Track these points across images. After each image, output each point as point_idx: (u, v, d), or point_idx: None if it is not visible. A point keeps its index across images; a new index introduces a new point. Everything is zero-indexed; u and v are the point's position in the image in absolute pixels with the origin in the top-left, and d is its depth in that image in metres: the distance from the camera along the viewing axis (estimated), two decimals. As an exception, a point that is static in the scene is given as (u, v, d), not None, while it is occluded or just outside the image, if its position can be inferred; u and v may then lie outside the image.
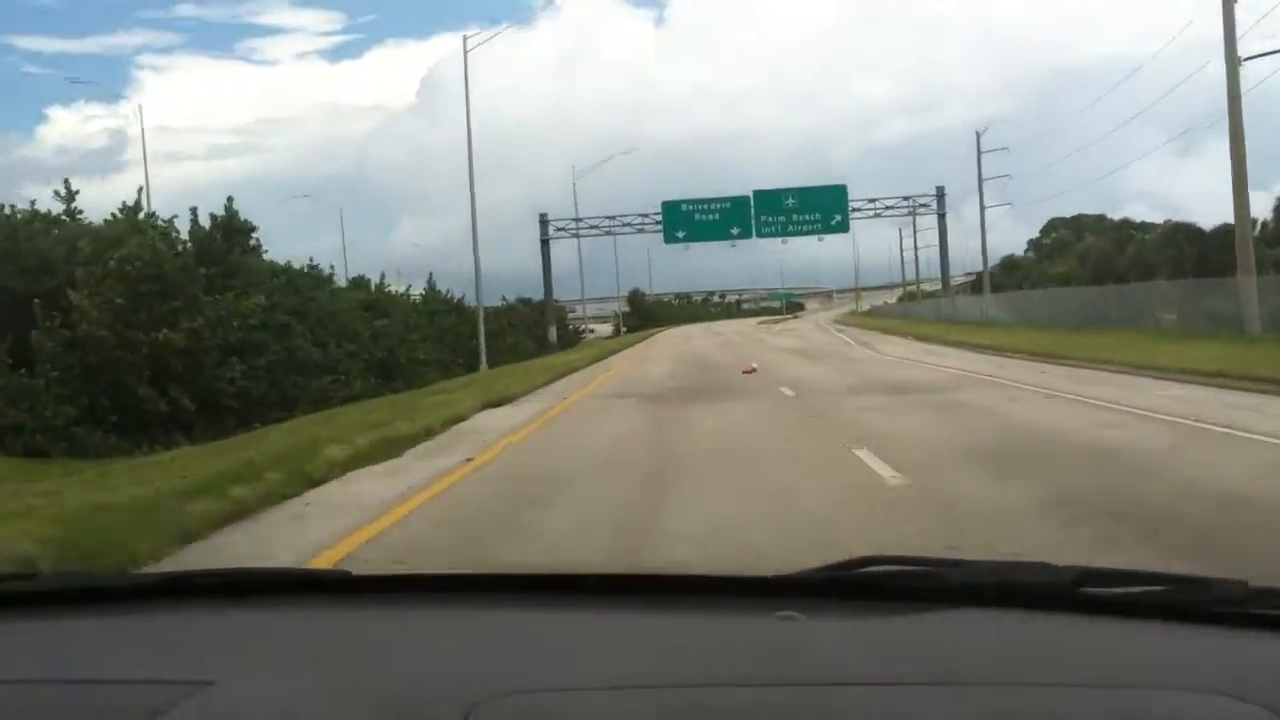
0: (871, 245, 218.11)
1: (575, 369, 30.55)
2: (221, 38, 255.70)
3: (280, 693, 1.47)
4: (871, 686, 1.43)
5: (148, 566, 6.42)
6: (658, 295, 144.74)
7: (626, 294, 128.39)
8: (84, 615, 1.86)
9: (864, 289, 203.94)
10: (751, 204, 61.87)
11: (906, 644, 1.59)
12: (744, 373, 23.65)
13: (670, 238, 62.02)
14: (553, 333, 63.35)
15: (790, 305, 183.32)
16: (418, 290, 61.24)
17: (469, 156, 38.77)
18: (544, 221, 63.31)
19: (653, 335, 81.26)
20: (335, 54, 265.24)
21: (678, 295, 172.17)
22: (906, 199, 63.43)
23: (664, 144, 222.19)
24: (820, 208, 61.67)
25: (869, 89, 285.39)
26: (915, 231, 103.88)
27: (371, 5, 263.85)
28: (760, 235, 61.90)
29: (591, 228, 63.72)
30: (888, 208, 63.38)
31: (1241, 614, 1.58)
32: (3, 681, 1.56)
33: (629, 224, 63.48)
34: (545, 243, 63.36)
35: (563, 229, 63.64)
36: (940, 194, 63.52)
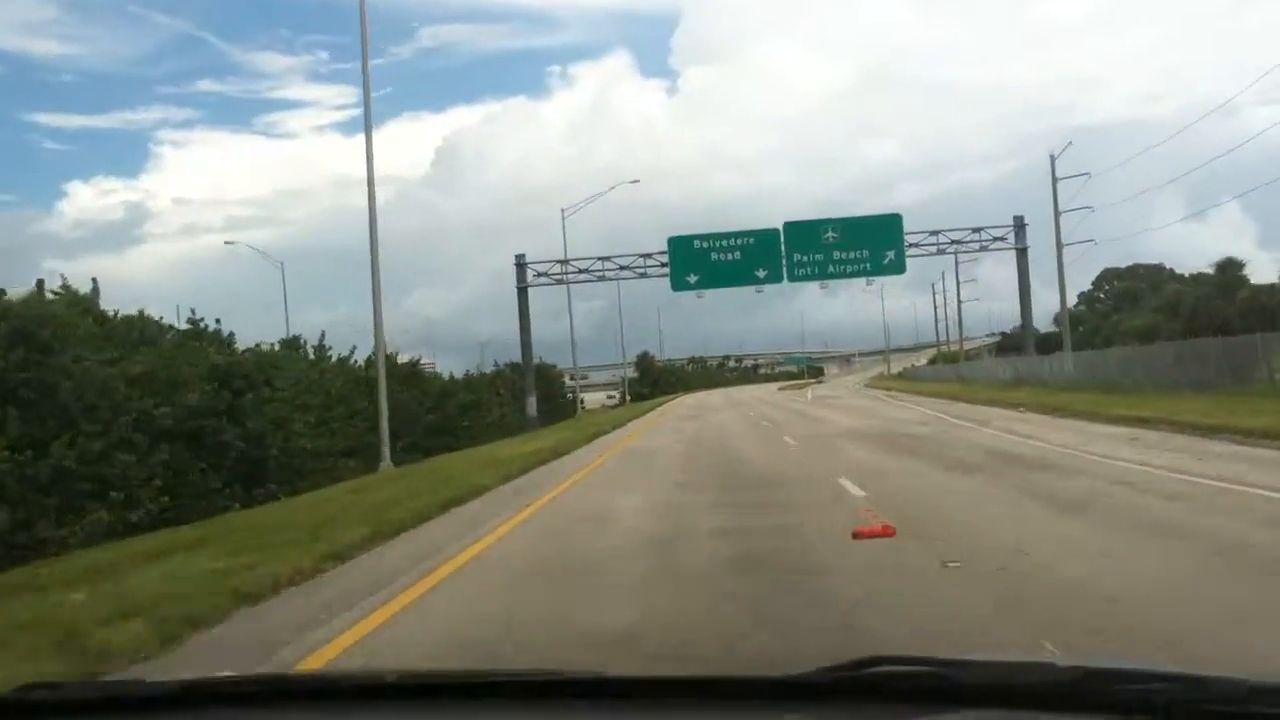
0: (888, 306, 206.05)
1: (505, 478, 16.22)
2: (240, 112, 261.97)
3: None
4: None
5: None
6: (669, 360, 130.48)
7: (635, 358, 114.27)
8: None
9: (876, 352, 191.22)
10: (781, 239, 47.76)
11: None
12: (859, 536, 8.53)
13: (680, 283, 47.98)
14: (531, 404, 49.07)
15: (811, 369, 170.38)
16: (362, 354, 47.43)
17: (369, 165, 25.07)
18: (520, 265, 49.41)
19: (662, 405, 66.74)
20: (351, 127, 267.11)
21: (691, 359, 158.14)
22: (976, 231, 49.29)
23: (678, 207, 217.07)
24: (869, 242, 47.54)
25: (882, 151, 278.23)
26: (958, 281, 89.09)
27: (387, 79, 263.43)
28: (794, 278, 47.74)
29: (580, 272, 49.72)
30: (953, 242, 49.25)
31: (1241, 713, 1.53)
32: None
33: (629, 267, 49.53)
34: (522, 291, 49.35)
35: (544, 274, 49.68)
36: (1019, 225, 49.39)
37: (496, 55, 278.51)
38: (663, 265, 48.20)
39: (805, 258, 47.41)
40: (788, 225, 48.08)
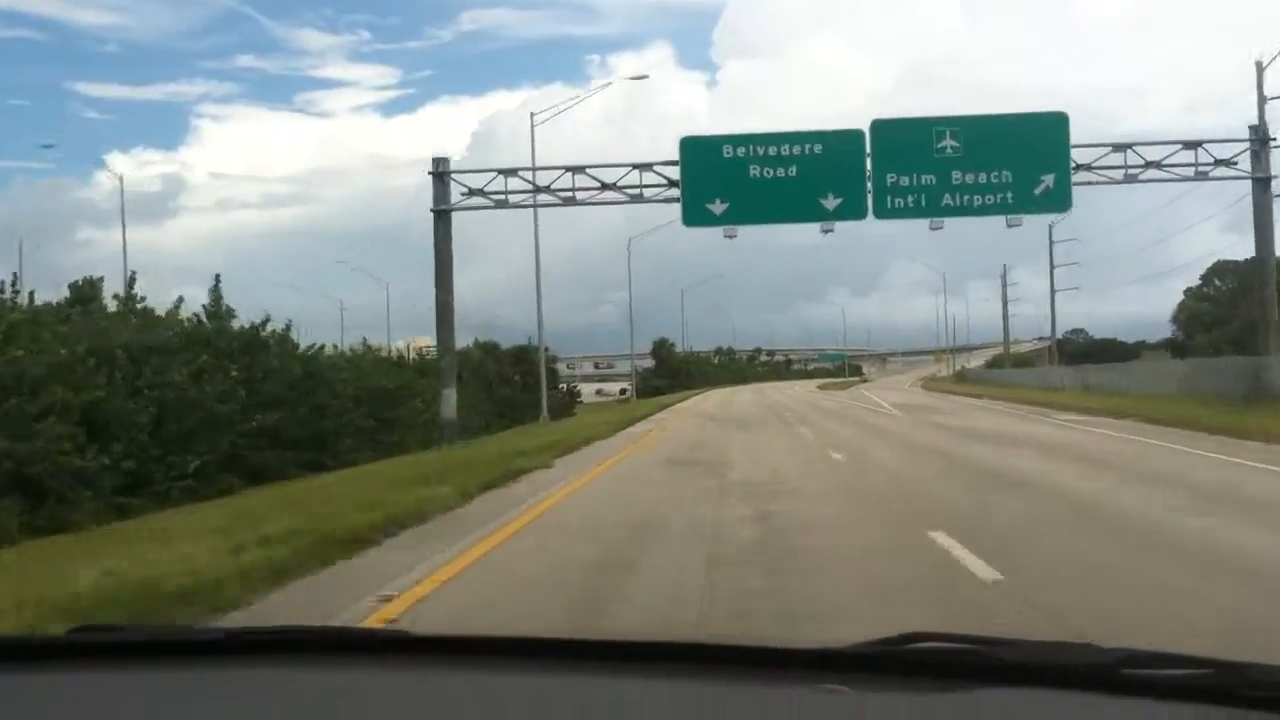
0: (908, 308, 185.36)
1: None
2: (280, 89, 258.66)
3: None
4: None
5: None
6: (692, 350, 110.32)
7: (651, 346, 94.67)
8: (156, 667, 1.87)
9: (912, 353, 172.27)
10: (867, 147, 28.19)
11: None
12: None
13: (697, 214, 28.22)
14: (449, 402, 29.48)
15: (850, 368, 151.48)
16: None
17: None
18: (441, 175, 29.79)
19: (663, 411, 46.96)
20: (390, 108, 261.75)
21: (718, 351, 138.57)
22: (1191, 146, 29.29)
23: None
24: (1012, 159, 27.77)
25: None
26: (1052, 265, 68.51)
27: (428, 61, 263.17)
28: (884, 212, 27.79)
29: (540, 190, 30.18)
30: (1149, 164, 29.30)
31: (1278, 698, 1.51)
32: None
33: (617, 186, 29.89)
34: (442, 216, 29.70)
35: (479, 191, 30.12)
36: (1261, 141, 29.54)
37: (537, 41, 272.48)
38: (672, 185, 28.65)
39: (906, 180, 27.66)
40: (878, 124, 28.36)
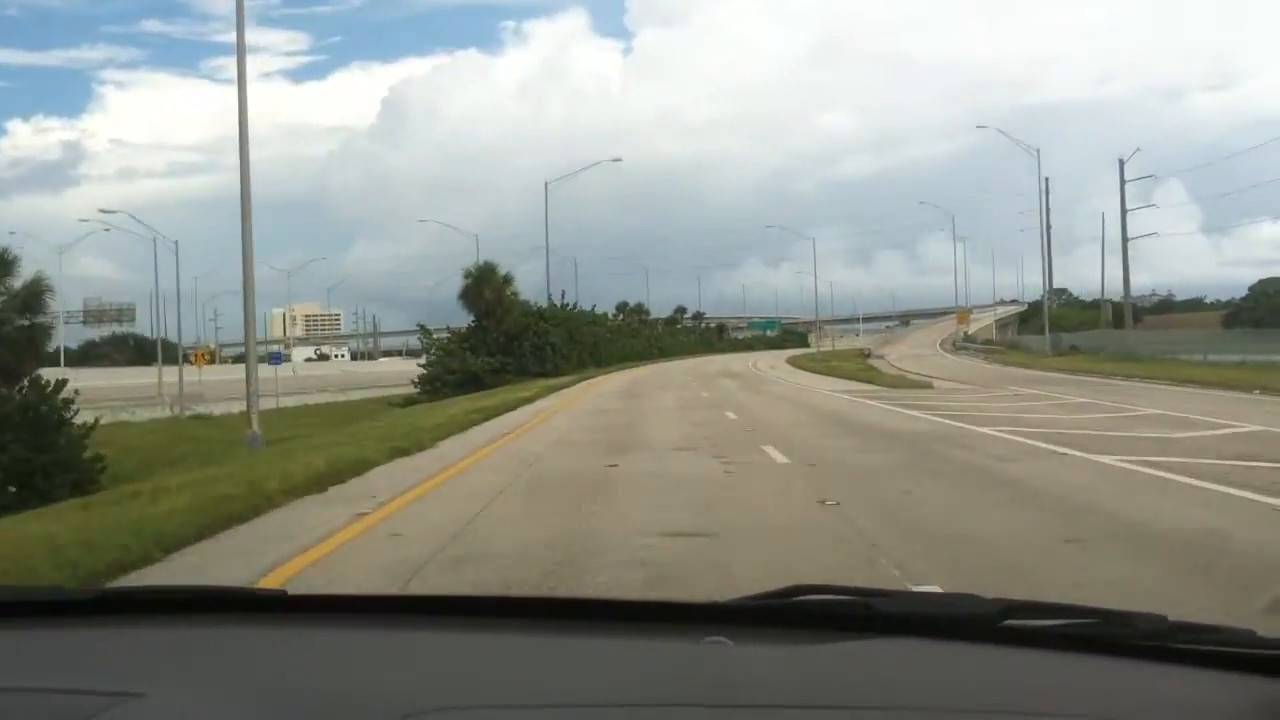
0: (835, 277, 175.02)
1: None
2: (186, 55, 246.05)
3: (210, 705, 1.38)
4: (795, 709, 1.36)
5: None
6: (571, 305, 63.39)
7: (465, 276, 48.42)
8: (18, 627, 1.76)
9: (874, 318, 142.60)
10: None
11: (832, 670, 1.51)
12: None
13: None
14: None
15: (786, 335, 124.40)
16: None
17: None
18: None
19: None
20: (300, 74, 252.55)
21: (621, 308, 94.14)
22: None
23: (627, 170, 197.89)
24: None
25: (834, 123, 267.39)
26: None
27: (338, 27, 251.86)
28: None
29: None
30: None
31: (1159, 647, 1.50)
32: None
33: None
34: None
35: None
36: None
37: (450, 7, 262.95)
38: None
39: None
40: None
